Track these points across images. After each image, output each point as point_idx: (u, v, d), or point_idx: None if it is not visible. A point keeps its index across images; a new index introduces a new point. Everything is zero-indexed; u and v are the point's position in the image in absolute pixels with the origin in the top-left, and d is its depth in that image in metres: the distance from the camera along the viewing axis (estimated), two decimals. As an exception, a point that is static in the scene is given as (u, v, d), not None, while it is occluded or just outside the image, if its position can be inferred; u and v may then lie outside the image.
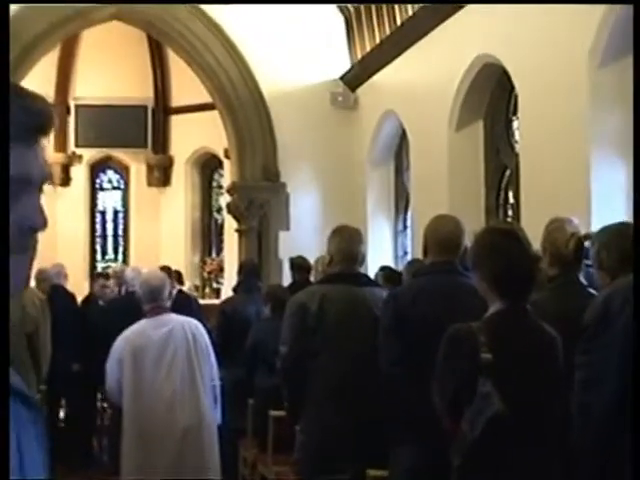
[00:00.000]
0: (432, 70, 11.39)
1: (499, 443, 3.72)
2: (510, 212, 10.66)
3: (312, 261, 9.42)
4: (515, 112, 10.26)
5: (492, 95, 10.77)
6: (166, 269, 10.83)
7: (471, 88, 10.65)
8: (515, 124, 10.41)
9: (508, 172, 10.65)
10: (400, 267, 12.81)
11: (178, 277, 11.97)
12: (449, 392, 3.83)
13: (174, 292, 10.64)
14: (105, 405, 11.83)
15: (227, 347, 8.58)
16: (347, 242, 5.71)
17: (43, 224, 1.56)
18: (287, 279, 11.78)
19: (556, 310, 4.32)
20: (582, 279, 4.73)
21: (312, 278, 8.79)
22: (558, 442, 3.85)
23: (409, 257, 12.83)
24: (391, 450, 4.92)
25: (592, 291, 4.60)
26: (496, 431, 3.67)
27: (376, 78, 13.35)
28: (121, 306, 10.40)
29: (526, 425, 3.75)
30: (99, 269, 19.21)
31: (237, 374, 8.54)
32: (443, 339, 3.88)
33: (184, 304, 10.06)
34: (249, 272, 9.57)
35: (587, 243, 4.64)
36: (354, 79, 14.02)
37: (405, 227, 13.71)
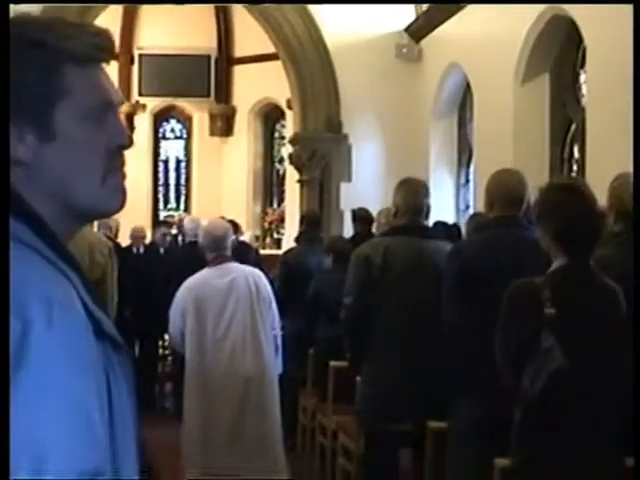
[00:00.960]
0: (498, 22, 11.25)
1: (560, 398, 3.73)
2: (575, 167, 10.55)
3: (374, 213, 9.44)
4: (583, 65, 10.12)
5: (559, 48, 10.63)
6: (231, 221, 10.91)
7: (538, 40, 10.51)
8: (582, 77, 10.28)
9: (574, 126, 10.52)
10: (462, 221, 12.80)
11: (237, 228, 12.05)
12: (511, 346, 3.83)
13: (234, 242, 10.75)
14: (167, 352, 11.99)
15: (289, 297, 8.62)
16: (413, 194, 5.72)
17: (130, 142, 1.63)
18: (348, 230, 11.80)
19: (621, 266, 4.29)
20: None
21: (374, 230, 8.80)
22: (620, 397, 3.84)
23: (471, 211, 12.76)
24: (452, 403, 4.95)
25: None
26: (558, 386, 3.67)
27: (441, 30, 13.23)
28: (181, 255, 10.52)
29: (588, 380, 3.75)
30: (161, 218, 19.39)
31: (298, 324, 8.61)
32: (506, 294, 3.88)
33: (244, 254, 10.13)
34: (311, 223, 9.60)
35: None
36: (418, 31, 13.90)
37: (467, 181, 13.63)
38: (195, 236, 9.95)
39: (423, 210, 5.75)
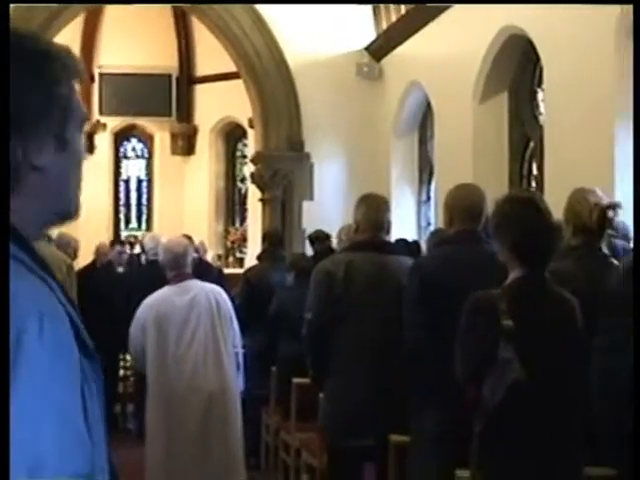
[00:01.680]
0: (457, 41, 11.37)
1: (520, 409, 3.77)
2: (534, 184, 10.66)
3: (336, 231, 9.49)
4: (540, 84, 10.24)
5: (517, 67, 10.75)
6: (187, 238, 10.90)
7: (496, 59, 10.63)
8: (540, 96, 10.39)
9: (532, 144, 10.64)
10: (424, 238, 12.87)
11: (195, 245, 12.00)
12: (470, 359, 3.88)
13: (195, 260, 10.74)
14: (129, 373, 11.94)
15: (250, 315, 8.63)
16: (374, 210, 5.75)
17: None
18: (310, 249, 11.84)
19: (579, 279, 4.35)
20: (605, 249, 4.75)
21: (336, 247, 8.83)
22: (579, 408, 3.89)
23: (432, 228, 12.85)
24: (414, 416, 4.98)
25: (614, 261, 4.63)
26: (517, 397, 3.72)
27: (401, 49, 13.33)
28: (141, 274, 10.51)
29: (547, 391, 3.80)
30: (123, 237, 19.34)
31: (260, 342, 8.62)
32: (464, 306, 3.93)
33: (206, 272, 10.13)
34: (273, 241, 9.63)
35: (610, 213, 4.66)
36: (379, 49, 14.00)
37: (429, 198, 13.72)
38: (155, 254, 9.93)
39: (384, 225, 5.78)
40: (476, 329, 3.86)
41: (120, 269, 11.74)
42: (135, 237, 18.44)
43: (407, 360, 4.98)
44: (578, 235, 4.70)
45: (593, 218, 4.63)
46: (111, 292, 10.66)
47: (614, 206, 4.74)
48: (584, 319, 3.93)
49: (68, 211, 1.69)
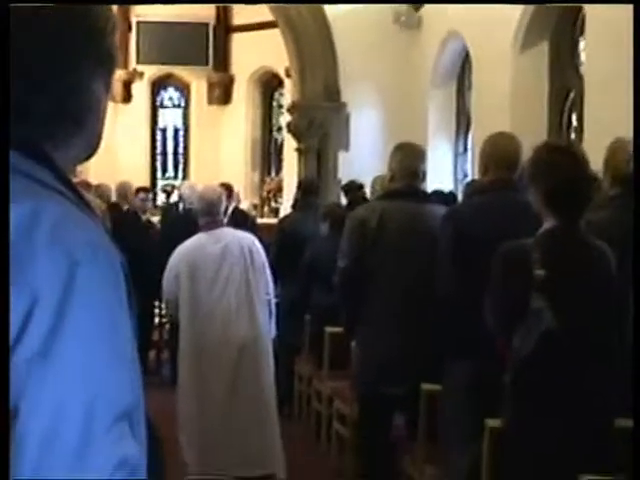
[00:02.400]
0: (497, -10, 11.19)
1: (551, 359, 3.74)
2: (573, 135, 10.52)
3: (365, 182, 9.46)
4: (582, 33, 10.07)
5: (559, 16, 10.57)
6: (226, 186, 10.88)
7: (537, 8, 10.46)
8: (581, 45, 10.23)
9: (572, 95, 10.49)
10: (460, 190, 12.79)
11: (231, 194, 11.89)
12: (502, 308, 3.84)
13: (230, 209, 10.73)
14: (164, 320, 11.99)
15: (285, 264, 8.63)
16: (409, 158, 5.72)
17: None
18: (345, 200, 11.79)
19: (616, 229, 4.29)
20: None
21: (370, 196, 8.79)
22: (611, 359, 3.85)
23: (469, 179, 12.76)
24: (446, 365, 4.96)
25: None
26: (548, 347, 3.68)
27: (440, -3, 13.16)
28: (178, 221, 10.51)
29: (579, 341, 3.76)
30: (159, 186, 19.38)
31: (294, 291, 8.63)
32: (496, 256, 3.88)
33: (241, 221, 10.12)
34: (308, 190, 9.58)
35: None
36: (418, -3, 13.83)
37: (466, 149, 13.60)
38: (192, 203, 9.93)
39: (419, 174, 5.75)
40: (508, 278, 3.81)
41: (144, 216, 11.65)
42: (172, 186, 18.50)
43: (439, 309, 4.95)
44: (616, 185, 4.63)
45: (631, 167, 4.55)
46: (138, 239, 10.54)
47: None
48: (620, 269, 3.87)
49: (94, 150, 1.72)
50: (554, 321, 3.65)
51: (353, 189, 9.41)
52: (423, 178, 5.82)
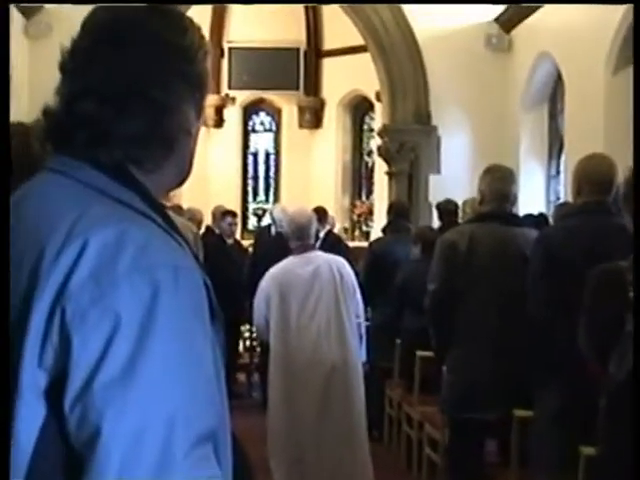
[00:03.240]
0: (589, 10, 11.05)
1: (648, 384, 3.66)
2: (668, 157, 10.33)
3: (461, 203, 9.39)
4: (676, 53, 9.91)
5: (652, 36, 10.42)
6: (321, 210, 10.91)
7: (630, 29, 10.31)
8: (676, 65, 10.06)
9: (667, 116, 10.31)
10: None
11: (325, 218, 11.90)
12: (596, 331, 3.78)
13: (322, 233, 10.74)
14: (255, 343, 12.05)
15: (375, 286, 8.62)
16: (499, 181, 5.68)
17: None
18: (437, 222, 11.73)
19: None
20: None
21: (460, 220, 8.74)
22: None
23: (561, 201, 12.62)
24: (537, 391, 4.89)
25: None
26: (644, 372, 3.60)
27: (531, 19, 13.05)
28: (268, 245, 10.50)
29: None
30: (251, 210, 19.52)
31: (385, 314, 8.61)
32: (591, 278, 3.82)
33: (333, 245, 10.14)
34: (399, 213, 9.57)
35: None
36: (509, 20, 13.74)
37: (558, 172, 13.44)
38: (282, 226, 9.96)
39: (510, 197, 5.70)
40: (603, 301, 3.75)
41: (230, 240, 11.71)
42: (264, 210, 18.61)
43: (530, 334, 4.89)
44: None
45: None
46: (223, 262, 10.58)
47: None
48: None
49: (187, 175, 1.74)
50: (650, 346, 3.58)
51: (448, 211, 9.35)
52: (514, 201, 5.78)
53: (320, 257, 6.73)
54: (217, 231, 11.53)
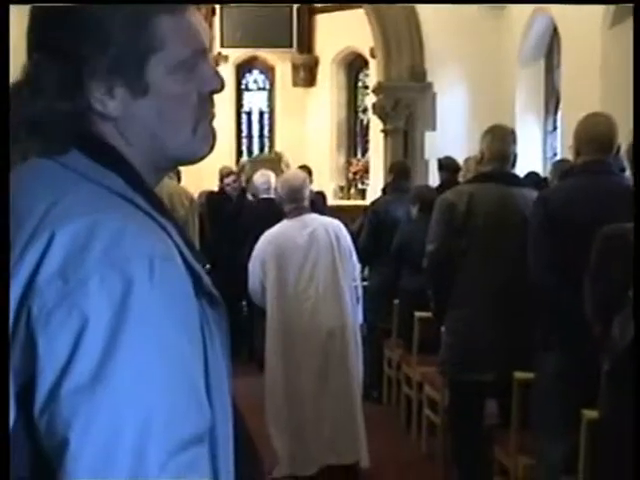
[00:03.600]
0: (586, -36, 10.95)
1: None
2: (666, 111, 10.26)
3: (460, 161, 9.31)
4: (674, 6, 9.81)
5: (650, -11, 10.30)
6: (306, 169, 10.77)
7: (628, -18, 10.21)
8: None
9: (665, 69, 10.22)
10: (549, 168, 12.59)
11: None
12: (600, 294, 3.73)
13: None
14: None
15: (376, 247, 8.57)
16: (499, 141, 5.64)
17: (222, 84, 1.60)
18: (434, 180, 11.68)
19: None
20: None
21: (461, 179, 8.67)
22: None
23: (558, 158, 12.56)
24: (539, 353, 4.86)
25: None
26: (648, 337, 3.56)
27: (527, -26, 12.92)
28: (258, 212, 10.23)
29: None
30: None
31: (383, 275, 8.58)
32: (596, 241, 3.77)
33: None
34: (399, 173, 9.47)
35: None
36: (504, -24, 13.61)
37: (555, 128, 13.37)
38: (267, 191, 9.83)
39: (509, 157, 5.66)
40: (608, 264, 3.69)
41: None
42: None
43: (531, 297, 4.85)
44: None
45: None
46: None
47: None
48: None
49: (185, 156, 1.59)
50: (655, 311, 3.54)
51: (449, 168, 9.27)
52: (514, 161, 5.73)
53: (316, 220, 6.65)
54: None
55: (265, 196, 9.91)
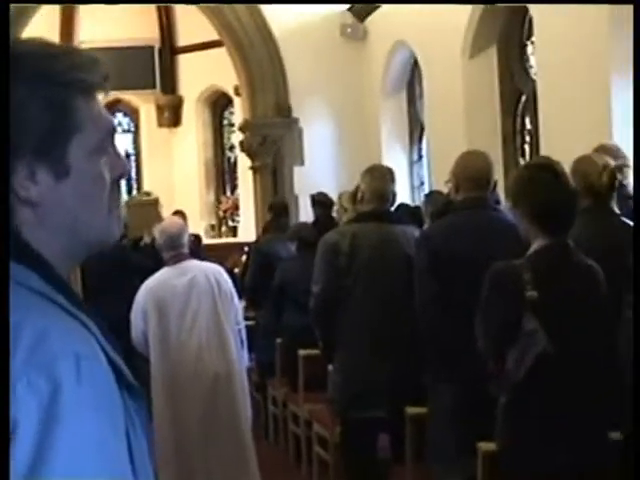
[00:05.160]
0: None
1: (546, 381, 3.72)
2: (528, 138, 10.56)
3: (331, 195, 9.43)
4: (529, 36, 10.12)
5: (505, 20, 10.60)
6: (180, 213, 10.73)
7: (484, 13, 10.49)
8: (530, 49, 10.28)
9: (524, 98, 10.53)
10: (417, 197, 12.82)
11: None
12: (493, 331, 3.81)
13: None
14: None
15: (262, 286, 8.56)
16: (378, 181, 5.73)
17: (127, 169, 1.60)
18: (304, 215, 11.77)
19: (593, 241, 4.27)
20: (615, 208, 4.67)
21: (335, 214, 8.77)
22: (605, 378, 3.83)
23: (425, 187, 12.80)
24: (430, 388, 4.94)
25: (627, 220, 4.54)
26: (543, 369, 3.66)
27: (385, 7, 13.14)
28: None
29: (573, 362, 3.74)
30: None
31: (267, 314, 8.60)
32: (486, 277, 3.85)
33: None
34: (279, 211, 9.55)
35: (619, 175, 4.58)
36: (363, 9, 13.81)
37: (420, 157, 13.63)
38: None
39: (389, 196, 5.77)
40: (499, 300, 3.78)
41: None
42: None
43: (420, 333, 4.93)
44: (587, 196, 4.60)
45: (603, 180, 4.54)
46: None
47: (620, 167, 4.67)
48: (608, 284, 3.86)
49: (101, 240, 1.56)
50: (548, 343, 3.64)
51: (322, 204, 9.38)
52: (393, 200, 5.84)
53: (195, 266, 6.64)
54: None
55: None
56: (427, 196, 8.51)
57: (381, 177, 5.78)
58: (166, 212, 10.69)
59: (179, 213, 10.60)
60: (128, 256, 9.20)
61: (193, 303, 6.46)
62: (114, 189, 1.56)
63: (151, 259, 7.90)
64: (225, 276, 6.72)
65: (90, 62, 1.54)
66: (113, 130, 1.58)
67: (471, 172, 4.84)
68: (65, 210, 1.49)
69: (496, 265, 3.86)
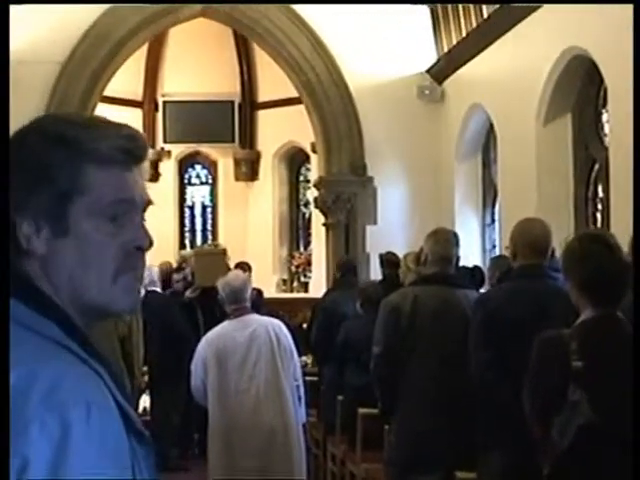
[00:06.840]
0: (519, 62, 11.27)
1: (589, 452, 3.69)
2: (599, 206, 10.51)
3: (401, 255, 9.45)
4: (604, 105, 10.10)
5: (581, 88, 10.62)
6: (245, 265, 10.82)
7: (559, 81, 10.51)
8: (604, 117, 10.26)
9: (597, 166, 10.49)
10: (488, 260, 12.76)
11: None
12: (539, 399, 3.81)
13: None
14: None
15: (327, 343, 8.60)
16: (442, 244, 5.77)
17: (149, 244, 1.65)
18: (374, 273, 11.78)
19: None
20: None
21: (400, 273, 8.79)
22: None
23: (497, 250, 12.75)
24: (480, 453, 4.92)
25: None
26: (586, 440, 3.64)
27: (463, 71, 13.26)
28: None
29: (617, 434, 3.71)
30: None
31: (332, 371, 8.63)
32: (534, 345, 3.86)
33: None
34: (346, 269, 9.64)
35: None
36: (441, 72, 13.94)
37: (493, 220, 13.60)
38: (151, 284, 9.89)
39: (452, 260, 5.79)
40: (546, 369, 3.79)
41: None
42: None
43: (473, 397, 4.93)
44: None
45: None
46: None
47: None
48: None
49: (101, 305, 1.60)
50: (592, 414, 3.62)
51: (390, 263, 9.42)
52: (456, 263, 5.87)
53: (256, 320, 6.74)
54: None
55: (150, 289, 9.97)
56: (493, 260, 8.51)
57: (445, 241, 5.82)
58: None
59: (244, 265, 10.67)
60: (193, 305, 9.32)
61: (253, 355, 6.54)
62: (130, 258, 1.60)
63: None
64: (285, 331, 6.79)
65: (116, 136, 1.59)
66: (134, 202, 1.63)
67: (528, 239, 4.87)
68: (62, 266, 1.55)
69: (545, 333, 3.87)
